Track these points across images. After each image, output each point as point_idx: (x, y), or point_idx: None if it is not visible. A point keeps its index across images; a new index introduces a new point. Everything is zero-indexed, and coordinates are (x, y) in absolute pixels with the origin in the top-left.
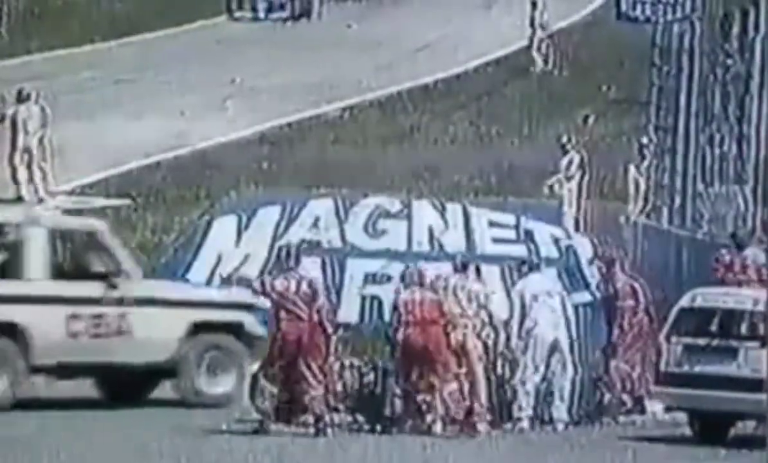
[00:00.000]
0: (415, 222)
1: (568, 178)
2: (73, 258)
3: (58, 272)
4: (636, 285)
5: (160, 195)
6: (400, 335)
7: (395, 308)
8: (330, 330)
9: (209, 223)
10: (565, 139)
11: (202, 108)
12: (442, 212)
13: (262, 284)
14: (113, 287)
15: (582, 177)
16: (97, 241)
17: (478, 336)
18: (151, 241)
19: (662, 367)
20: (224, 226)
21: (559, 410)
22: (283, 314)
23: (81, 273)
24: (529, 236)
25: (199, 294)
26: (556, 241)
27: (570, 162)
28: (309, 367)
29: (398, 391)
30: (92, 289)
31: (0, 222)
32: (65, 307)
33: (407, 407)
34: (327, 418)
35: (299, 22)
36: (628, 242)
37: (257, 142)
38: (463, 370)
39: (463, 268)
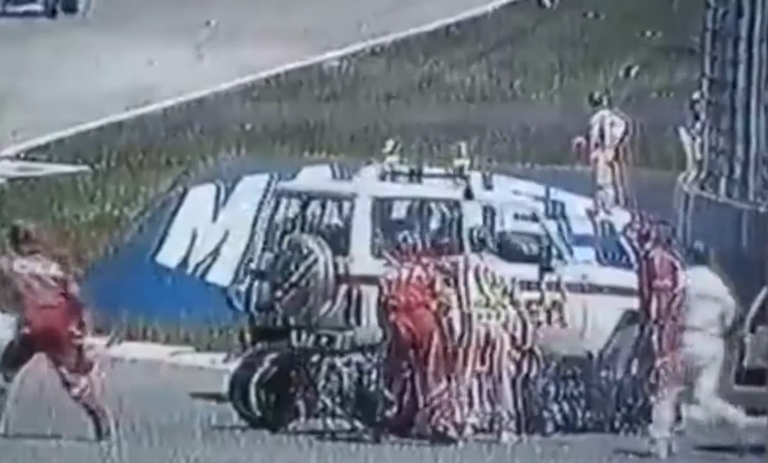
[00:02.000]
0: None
1: (603, 141)
2: None
3: None
4: (675, 263)
5: (122, 160)
6: (384, 321)
7: (380, 288)
8: None
9: (182, 195)
10: (597, 94)
11: (172, 57)
12: (461, 179)
13: None
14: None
15: (622, 140)
16: None
17: (504, 328)
18: (111, 215)
19: (747, 363)
20: (200, 198)
21: (597, 415)
22: None
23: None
24: (560, 209)
25: (632, 279)
26: (592, 215)
27: (604, 122)
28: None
29: (387, 391)
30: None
31: None
32: None
33: (397, 411)
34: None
35: None
36: (678, 217)
37: (238, 97)
38: (485, 368)
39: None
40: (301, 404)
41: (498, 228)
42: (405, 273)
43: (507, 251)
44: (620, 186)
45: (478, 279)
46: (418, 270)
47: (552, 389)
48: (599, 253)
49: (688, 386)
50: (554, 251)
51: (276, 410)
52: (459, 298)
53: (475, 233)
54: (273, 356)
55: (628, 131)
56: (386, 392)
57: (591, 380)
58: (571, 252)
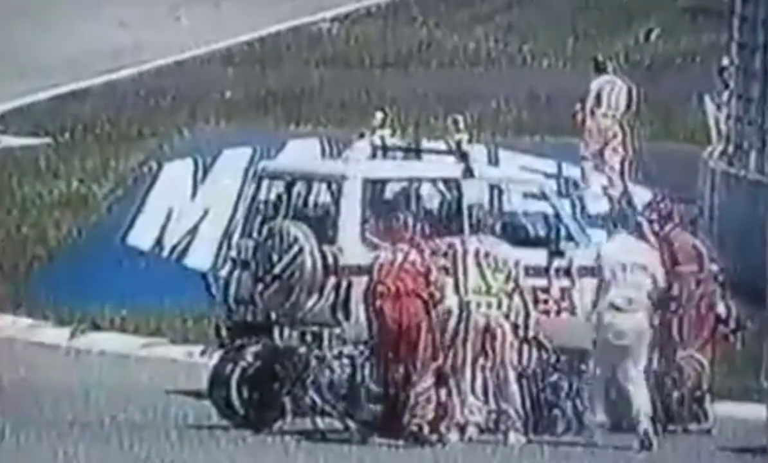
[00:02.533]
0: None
1: (600, 109)
2: None
3: None
4: (699, 246)
5: (89, 132)
6: (371, 309)
7: (370, 273)
8: None
9: (157, 170)
10: (602, 58)
11: (145, 17)
12: (460, 155)
13: None
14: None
15: (628, 109)
16: None
17: (507, 318)
18: (78, 192)
19: None
20: (176, 174)
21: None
22: None
23: None
24: (573, 187)
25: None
26: (608, 193)
27: (603, 88)
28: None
29: (373, 386)
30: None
31: None
32: None
33: (386, 409)
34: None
35: None
36: (703, 195)
37: (218, 62)
38: (488, 363)
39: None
40: (287, 401)
41: (505, 208)
42: (399, 257)
43: (512, 233)
44: (627, 161)
45: (478, 264)
46: (413, 255)
47: (564, 384)
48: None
49: (612, 369)
50: (565, 233)
51: (260, 408)
52: (456, 284)
53: (474, 212)
54: (256, 348)
55: (632, 100)
56: (372, 387)
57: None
58: (584, 234)
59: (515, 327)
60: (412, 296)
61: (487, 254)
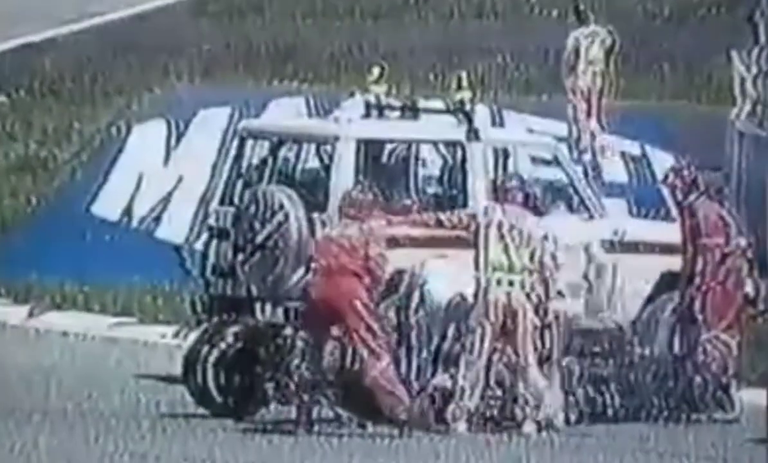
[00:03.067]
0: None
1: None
2: None
3: None
4: (726, 217)
5: (50, 89)
6: (304, 286)
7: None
8: None
9: (125, 132)
10: (582, 5)
11: None
12: (464, 116)
13: None
14: None
15: (608, 62)
16: None
17: (528, 297)
18: (37, 156)
19: None
20: (147, 136)
21: (629, 400)
22: None
23: None
24: (588, 151)
25: (672, 234)
26: (627, 157)
27: (580, 42)
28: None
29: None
30: None
31: None
32: None
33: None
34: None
35: None
36: (731, 161)
37: (193, 12)
38: (507, 346)
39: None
40: (271, 387)
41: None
42: (335, 231)
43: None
44: (603, 119)
45: (501, 237)
46: (351, 228)
47: (576, 369)
48: (634, 203)
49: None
50: (579, 203)
51: (240, 394)
52: (477, 259)
53: (483, 178)
54: (236, 328)
55: (613, 50)
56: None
57: (622, 359)
58: (599, 203)
59: (537, 308)
60: (344, 272)
61: (511, 227)
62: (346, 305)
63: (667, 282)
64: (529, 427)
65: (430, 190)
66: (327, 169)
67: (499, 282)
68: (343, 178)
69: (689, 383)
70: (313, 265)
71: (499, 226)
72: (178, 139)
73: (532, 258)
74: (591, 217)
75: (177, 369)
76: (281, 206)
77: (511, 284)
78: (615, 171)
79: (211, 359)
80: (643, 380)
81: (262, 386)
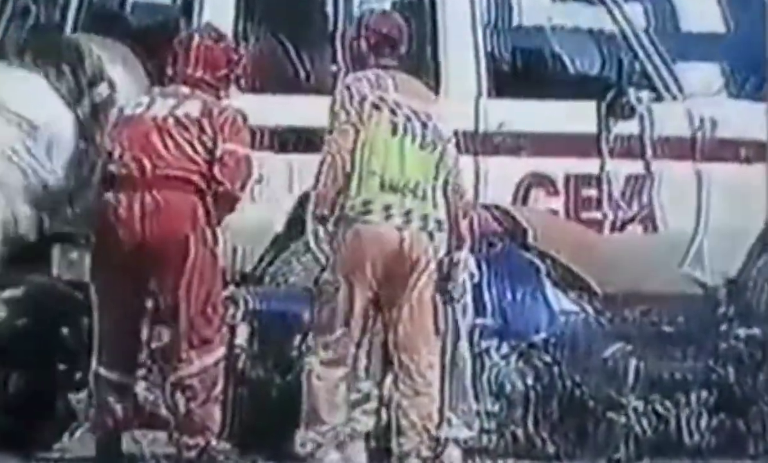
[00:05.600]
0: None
1: None
2: None
3: None
4: None
5: None
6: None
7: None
8: None
9: None
10: None
11: None
12: None
13: None
14: None
15: None
16: None
17: (431, 238)
18: None
19: None
20: None
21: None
22: None
23: None
24: None
25: None
26: None
27: None
28: None
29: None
30: None
31: None
32: None
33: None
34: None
35: None
36: None
37: None
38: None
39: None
40: (75, 401)
41: (515, 21)
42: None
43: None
44: None
45: (394, 130)
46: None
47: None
48: (728, 74)
49: None
50: (639, 70)
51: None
52: (352, 169)
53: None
54: (16, 293)
55: None
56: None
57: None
58: (672, 75)
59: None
60: (173, 184)
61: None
62: (172, 243)
63: None
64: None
65: None
66: None
67: (387, 210)
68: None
69: None
70: (112, 168)
71: (392, 110)
72: None
73: (438, 170)
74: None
75: None
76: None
77: (406, 215)
78: (696, 19)
79: None
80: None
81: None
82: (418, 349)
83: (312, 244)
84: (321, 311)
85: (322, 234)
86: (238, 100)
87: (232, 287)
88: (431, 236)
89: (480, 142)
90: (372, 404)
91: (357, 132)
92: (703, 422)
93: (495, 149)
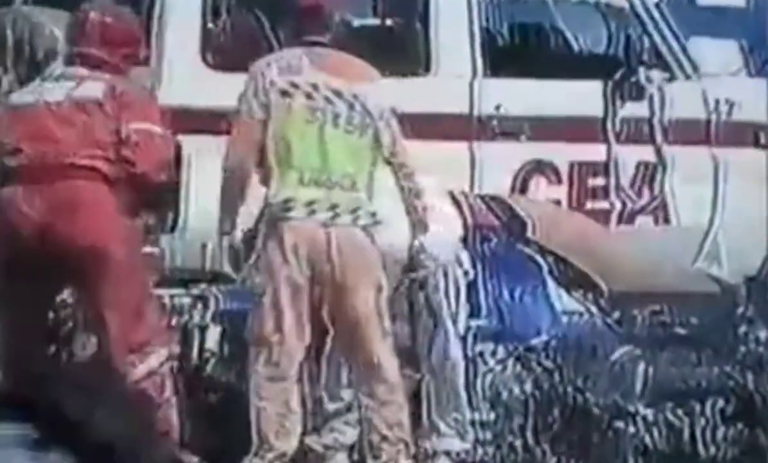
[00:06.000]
0: None
1: None
2: None
3: None
4: None
5: None
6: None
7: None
8: None
9: None
10: None
11: None
12: None
13: None
14: None
15: None
16: None
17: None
18: None
19: None
20: None
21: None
22: None
23: None
24: None
25: None
26: None
27: None
28: None
29: None
30: None
31: None
32: None
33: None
34: None
35: None
36: None
37: None
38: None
39: None
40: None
41: None
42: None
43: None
44: None
45: (312, 114)
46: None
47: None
48: (747, 52)
49: None
50: (649, 46)
51: None
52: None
53: None
54: None
55: None
56: None
57: (721, 347)
58: (685, 53)
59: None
60: (76, 172)
61: (330, 100)
62: (86, 246)
63: None
64: None
65: None
66: None
67: (310, 205)
68: None
69: None
70: (9, 162)
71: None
72: None
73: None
74: None
75: None
76: None
77: (332, 209)
78: None
79: None
80: None
81: None
82: (369, 355)
83: (226, 263)
84: (253, 318)
85: (227, 248)
86: (211, 80)
87: (202, 286)
88: (365, 230)
89: (475, 127)
90: (354, 415)
91: (264, 125)
92: (720, 433)
93: (491, 134)
